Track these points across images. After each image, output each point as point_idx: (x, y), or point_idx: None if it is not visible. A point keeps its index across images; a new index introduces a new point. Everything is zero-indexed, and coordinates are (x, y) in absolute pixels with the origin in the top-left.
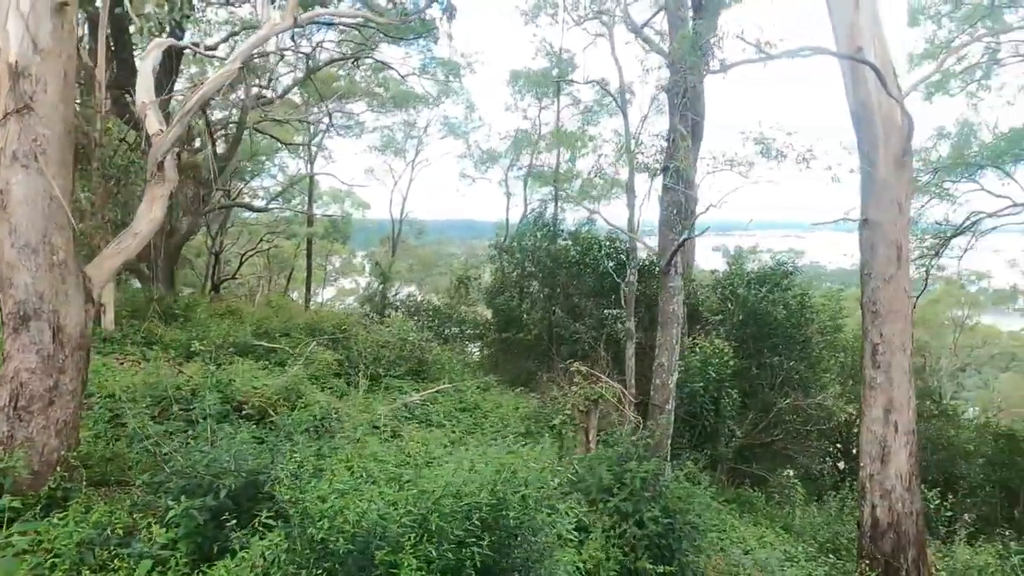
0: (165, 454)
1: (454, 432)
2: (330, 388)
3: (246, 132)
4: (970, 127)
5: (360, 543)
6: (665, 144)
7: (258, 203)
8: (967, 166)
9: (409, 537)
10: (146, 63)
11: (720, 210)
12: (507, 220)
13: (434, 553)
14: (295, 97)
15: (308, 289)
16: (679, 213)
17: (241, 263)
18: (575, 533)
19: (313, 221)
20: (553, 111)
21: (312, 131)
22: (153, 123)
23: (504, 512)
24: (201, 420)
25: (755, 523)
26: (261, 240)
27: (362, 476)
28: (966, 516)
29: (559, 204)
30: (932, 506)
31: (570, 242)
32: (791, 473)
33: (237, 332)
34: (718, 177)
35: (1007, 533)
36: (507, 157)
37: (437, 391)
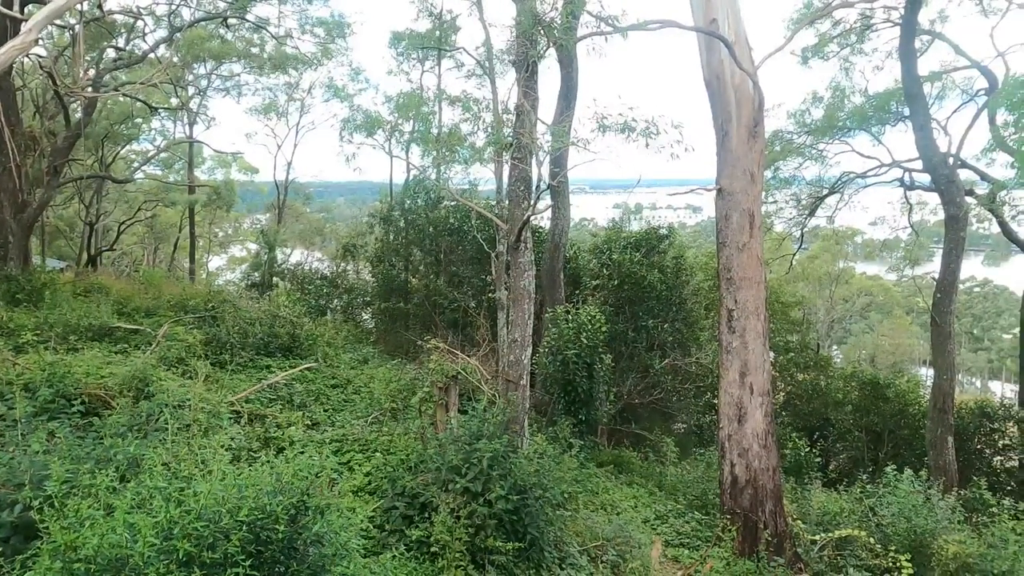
0: None
1: (323, 412)
2: (190, 373)
3: (119, 96)
4: (842, 92)
5: None
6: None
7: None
8: (838, 129)
9: (155, 568)
10: None
11: (618, 168)
12: (391, 185)
13: None
14: (174, 58)
15: (192, 259)
16: (526, 188)
17: (119, 233)
18: (363, 540)
19: (194, 188)
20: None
21: (188, 93)
22: None
23: (276, 527)
24: (20, 421)
25: (630, 483)
26: (139, 209)
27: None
28: (835, 460)
29: (441, 169)
30: (803, 454)
31: (449, 210)
32: (680, 429)
33: (96, 313)
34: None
35: (864, 477)
36: (388, 123)
37: (301, 370)
